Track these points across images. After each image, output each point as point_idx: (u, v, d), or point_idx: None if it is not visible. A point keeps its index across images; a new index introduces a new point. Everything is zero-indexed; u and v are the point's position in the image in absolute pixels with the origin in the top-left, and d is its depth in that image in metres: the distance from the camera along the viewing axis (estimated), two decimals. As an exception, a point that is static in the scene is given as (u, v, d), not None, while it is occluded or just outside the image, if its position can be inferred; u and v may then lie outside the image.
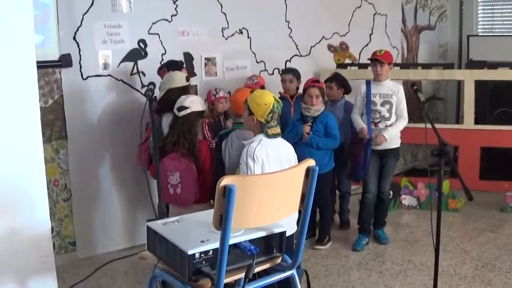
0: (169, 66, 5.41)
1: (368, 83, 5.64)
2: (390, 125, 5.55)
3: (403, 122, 5.60)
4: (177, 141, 4.44)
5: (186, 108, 4.46)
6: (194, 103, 4.51)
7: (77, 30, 5.31)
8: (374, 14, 7.89)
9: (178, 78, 4.93)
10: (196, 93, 5.79)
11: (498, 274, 5.02)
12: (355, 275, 5.12)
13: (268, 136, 3.85)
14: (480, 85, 7.20)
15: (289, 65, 6.91)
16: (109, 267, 5.39)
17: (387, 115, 5.56)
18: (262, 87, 5.73)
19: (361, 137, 5.54)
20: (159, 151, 4.55)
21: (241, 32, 6.52)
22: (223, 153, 4.37)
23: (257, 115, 3.84)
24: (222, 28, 6.34)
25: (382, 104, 5.55)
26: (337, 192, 6.34)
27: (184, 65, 5.93)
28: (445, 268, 5.11)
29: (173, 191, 4.43)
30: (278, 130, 3.90)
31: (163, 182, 4.46)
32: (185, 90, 4.92)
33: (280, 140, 3.97)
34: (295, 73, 6.12)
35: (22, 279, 3.70)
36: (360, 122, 5.60)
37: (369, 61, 5.75)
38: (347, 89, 6.10)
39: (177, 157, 4.42)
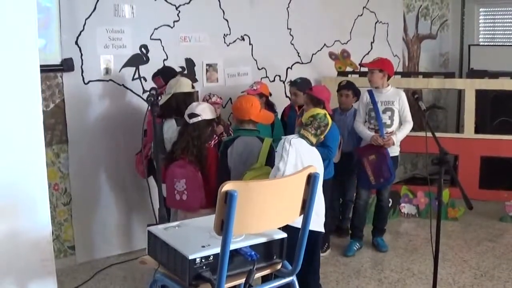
0: (164, 74, 5.37)
1: (370, 92, 5.67)
2: (391, 132, 5.58)
3: (409, 126, 5.64)
4: (186, 147, 4.45)
5: (197, 115, 4.48)
6: (205, 111, 4.53)
7: (79, 34, 5.31)
8: (376, 23, 7.91)
9: (185, 83, 4.92)
10: (197, 99, 5.79)
11: (497, 284, 5.02)
12: (354, 283, 5.11)
13: (298, 134, 4.20)
14: (480, 95, 7.21)
15: (290, 72, 6.94)
16: (108, 271, 5.39)
17: (388, 122, 5.59)
18: (262, 95, 5.72)
19: (377, 144, 5.54)
20: (168, 156, 4.57)
21: (243, 39, 6.53)
22: (228, 159, 4.40)
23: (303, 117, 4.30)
24: (224, 35, 6.35)
25: (384, 111, 5.58)
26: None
27: (185, 71, 5.95)
28: (444, 276, 5.11)
29: (179, 197, 4.45)
30: (310, 137, 4.19)
31: (170, 188, 4.50)
32: (191, 96, 4.93)
33: (313, 149, 4.24)
34: (300, 87, 5.89)
35: (23, 282, 3.70)
36: (368, 132, 5.61)
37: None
38: (358, 98, 6.09)
39: (184, 164, 4.43)
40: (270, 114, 4.93)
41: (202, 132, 4.53)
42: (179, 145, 4.52)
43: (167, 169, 4.52)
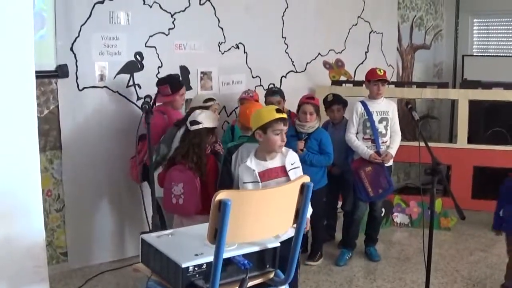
0: (173, 83, 5.36)
1: (363, 102, 5.66)
2: (386, 141, 5.61)
3: (399, 138, 5.69)
4: (186, 153, 4.48)
5: (198, 123, 4.51)
6: (206, 119, 4.56)
7: (75, 41, 5.31)
8: (370, 32, 7.94)
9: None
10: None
11: (489, 294, 5.04)
12: (346, 292, 5.13)
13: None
14: (474, 105, 7.23)
15: (284, 81, 6.95)
16: (101, 278, 5.37)
17: (384, 131, 5.61)
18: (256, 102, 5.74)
19: (373, 160, 5.54)
20: (169, 162, 4.62)
21: (238, 47, 6.54)
22: (233, 166, 4.37)
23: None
24: (219, 43, 6.36)
25: (380, 121, 5.59)
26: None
27: (180, 79, 5.95)
28: (436, 286, 5.12)
29: (176, 201, 4.48)
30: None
31: (167, 191, 4.53)
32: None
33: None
34: (282, 94, 6.01)
35: (16, 288, 3.71)
36: (366, 150, 5.57)
37: (363, 79, 5.82)
38: (346, 107, 6.10)
39: (183, 168, 4.45)
40: None
41: (203, 139, 4.56)
42: (180, 151, 4.56)
43: (166, 173, 4.55)
